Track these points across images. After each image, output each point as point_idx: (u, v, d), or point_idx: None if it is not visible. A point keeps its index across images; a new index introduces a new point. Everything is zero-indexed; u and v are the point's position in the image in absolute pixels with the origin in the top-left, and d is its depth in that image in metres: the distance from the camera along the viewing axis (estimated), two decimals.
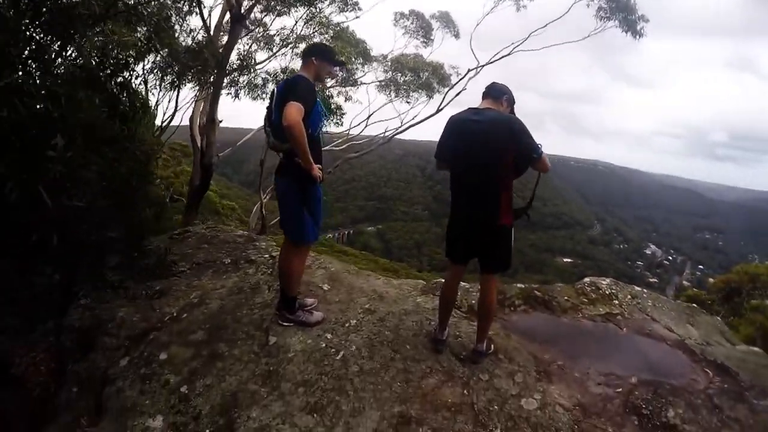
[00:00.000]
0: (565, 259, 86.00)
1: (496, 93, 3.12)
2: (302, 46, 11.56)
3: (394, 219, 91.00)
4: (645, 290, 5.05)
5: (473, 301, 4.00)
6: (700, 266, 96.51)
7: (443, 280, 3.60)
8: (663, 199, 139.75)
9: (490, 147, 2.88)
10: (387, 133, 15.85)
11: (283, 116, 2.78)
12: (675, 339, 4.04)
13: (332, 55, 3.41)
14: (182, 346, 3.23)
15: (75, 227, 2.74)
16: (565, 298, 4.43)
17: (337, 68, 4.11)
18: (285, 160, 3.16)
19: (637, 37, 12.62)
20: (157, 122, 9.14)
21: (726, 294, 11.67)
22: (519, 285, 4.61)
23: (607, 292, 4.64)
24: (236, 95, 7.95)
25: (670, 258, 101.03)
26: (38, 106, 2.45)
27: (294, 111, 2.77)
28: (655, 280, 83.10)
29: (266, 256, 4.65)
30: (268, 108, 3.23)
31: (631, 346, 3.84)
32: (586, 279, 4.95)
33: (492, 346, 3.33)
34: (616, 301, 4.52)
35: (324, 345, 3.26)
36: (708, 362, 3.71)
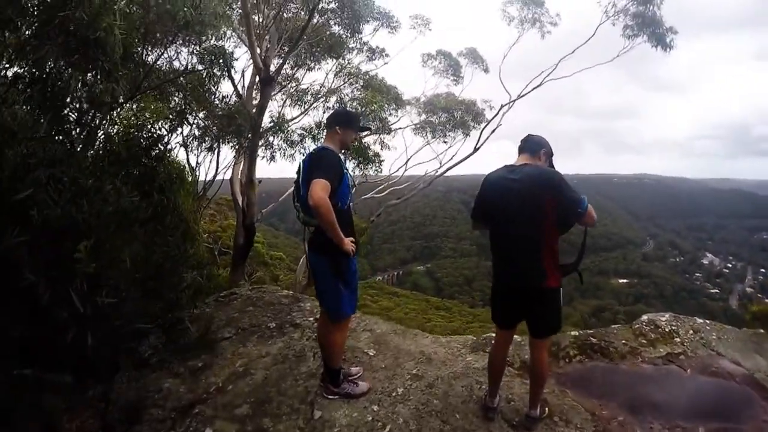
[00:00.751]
0: (620, 280, 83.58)
1: (533, 147, 2.95)
2: (333, 99, 11.82)
3: (442, 256, 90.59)
4: (708, 321, 4.78)
5: (526, 356, 3.80)
6: (762, 269, 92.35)
7: (493, 336, 3.38)
8: (713, 205, 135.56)
9: (529, 205, 2.69)
10: (427, 176, 15.81)
11: (309, 195, 2.71)
12: (743, 374, 3.80)
13: (357, 122, 3.34)
14: (227, 420, 3.15)
15: (108, 323, 2.72)
16: (623, 341, 4.21)
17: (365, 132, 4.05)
18: (316, 235, 3.08)
19: (668, 50, 12.33)
20: (201, 178, 9.39)
21: None
22: (573, 333, 4.39)
23: (667, 330, 4.41)
24: (272, 158, 8.12)
25: (730, 265, 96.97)
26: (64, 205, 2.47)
27: (319, 189, 2.70)
28: (717, 290, 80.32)
29: (311, 319, 4.58)
30: (295, 183, 3.16)
31: (696, 388, 3.60)
32: (644, 317, 4.72)
33: (546, 409, 3.12)
34: (678, 339, 4.29)
35: (370, 418, 3.13)
36: None
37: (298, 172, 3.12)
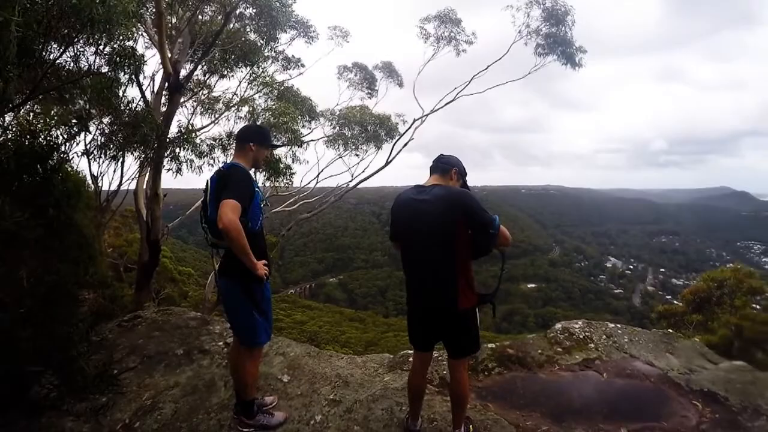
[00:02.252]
0: (529, 285, 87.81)
1: (444, 166, 2.86)
2: (245, 109, 11.42)
3: (354, 268, 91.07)
4: (619, 326, 5.02)
5: (445, 372, 3.77)
6: (662, 269, 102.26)
7: (410, 353, 3.30)
8: (615, 213, 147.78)
9: (439, 227, 2.60)
10: (339, 189, 15.75)
11: (218, 216, 2.51)
12: (658, 374, 4.00)
13: (270, 139, 3.17)
14: None
15: None
16: (539, 351, 4.32)
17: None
18: (226, 258, 2.87)
19: (577, 68, 13.14)
20: (105, 188, 8.61)
21: (697, 304, 12.07)
22: (491, 345, 4.42)
23: (581, 336, 4.59)
24: (178, 170, 7.59)
25: (632, 267, 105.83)
26: None
27: (229, 210, 2.52)
28: (620, 291, 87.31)
29: (221, 343, 4.32)
30: (203, 202, 2.92)
31: (614, 391, 3.74)
32: (558, 325, 4.87)
33: (471, 426, 3.06)
34: (592, 345, 4.47)
35: None
36: (695, 393, 3.71)
37: (205, 191, 2.88)
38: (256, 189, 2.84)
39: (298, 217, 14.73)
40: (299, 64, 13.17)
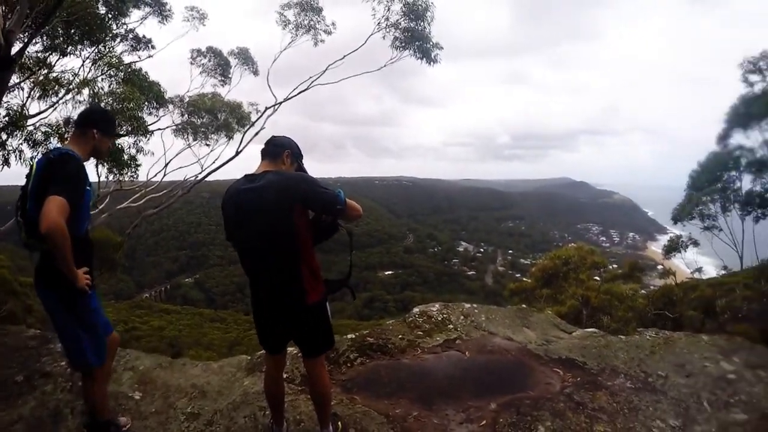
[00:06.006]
0: (386, 272, 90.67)
1: (275, 150, 2.55)
2: (86, 92, 10.20)
3: (210, 265, 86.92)
4: (475, 306, 5.21)
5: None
6: (510, 251, 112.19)
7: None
8: (466, 201, 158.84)
9: (275, 218, 2.28)
10: (187, 181, 14.95)
11: (41, 215, 2.10)
12: (517, 347, 4.21)
13: (115, 127, 2.75)
14: None
15: None
16: (400, 336, 4.34)
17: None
18: (43, 265, 2.42)
19: (432, 63, 13.55)
20: None
21: (546, 279, 13.47)
22: (350, 335, 4.38)
23: (439, 318, 4.71)
24: (5, 162, 6.47)
25: (482, 250, 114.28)
26: None
27: (55, 210, 2.11)
28: (473, 272, 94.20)
29: (63, 363, 3.73)
30: (22, 189, 2.41)
31: (478, 369, 3.84)
32: (416, 309, 4.96)
33: (339, 423, 2.89)
34: (451, 326, 4.61)
35: None
36: (555, 361, 3.95)
37: (28, 176, 2.39)
38: (88, 187, 2.44)
39: (145, 213, 13.76)
40: (150, 45, 12.17)
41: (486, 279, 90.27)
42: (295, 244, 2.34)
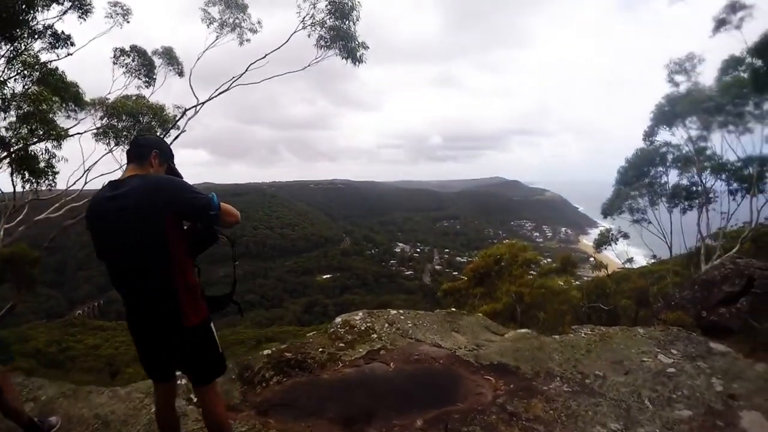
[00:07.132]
0: (324, 276, 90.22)
1: (141, 151, 2.24)
2: None
3: None
4: (401, 311, 5.04)
5: None
6: (447, 250, 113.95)
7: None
8: (401, 203, 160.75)
9: (142, 230, 2.01)
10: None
11: None
12: (446, 354, 4.03)
13: None
14: None
15: None
16: (320, 349, 4.14)
17: None
18: None
19: (357, 63, 13.31)
20: None
21: (478, 278, 13.58)
22: (266, 352, 4.13)
23: (362, 328, 4.53)
24: None
25: (419, 250, 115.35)
26: None
27: None
28: (411, 272, 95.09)
29: None
30: None
31: (403, 381, 3.64)
32: (338, 319, 4.78)
33: None
34: (375, 335, 4.42)
35: None
36: (486, 368, 3.79)
37: None
38: None
39: (64, 222, 12.86)
40: (69, 42, 11.23)
41: (424, 278, 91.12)
42: (167, 260, 2.06)
